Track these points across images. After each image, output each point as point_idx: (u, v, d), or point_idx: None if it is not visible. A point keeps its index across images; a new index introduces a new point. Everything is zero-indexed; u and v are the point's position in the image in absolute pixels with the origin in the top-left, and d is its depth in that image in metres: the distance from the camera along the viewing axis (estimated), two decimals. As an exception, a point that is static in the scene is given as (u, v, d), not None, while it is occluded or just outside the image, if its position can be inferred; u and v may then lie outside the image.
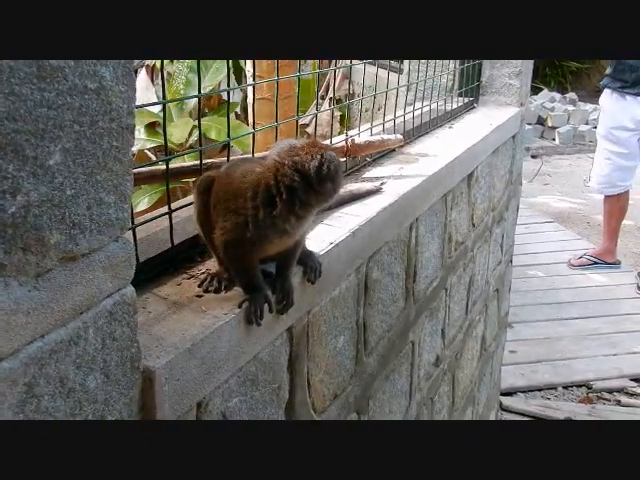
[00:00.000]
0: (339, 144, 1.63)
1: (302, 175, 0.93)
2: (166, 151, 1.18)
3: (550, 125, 10.47)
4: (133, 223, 1.00)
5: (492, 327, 2.91)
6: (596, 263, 5.34)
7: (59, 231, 0.63)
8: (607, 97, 4.79)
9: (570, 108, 10.95)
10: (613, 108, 4.71)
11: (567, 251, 6.01)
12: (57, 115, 0.60)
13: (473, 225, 2.28)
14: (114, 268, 0.71)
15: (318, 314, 1.19)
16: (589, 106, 11.22)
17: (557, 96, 11.46)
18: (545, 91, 11.50)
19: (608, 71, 4.74)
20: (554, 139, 10.38)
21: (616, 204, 5.06)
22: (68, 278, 0.65)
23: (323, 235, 1.24)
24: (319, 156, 0.93)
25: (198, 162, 1.53)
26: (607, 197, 5.09)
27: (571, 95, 11.74)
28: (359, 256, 1.34)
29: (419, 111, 2.19)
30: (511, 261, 3.23)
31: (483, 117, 2.51)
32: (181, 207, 1.17)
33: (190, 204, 1.17)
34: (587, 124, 10.67)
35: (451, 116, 2.47)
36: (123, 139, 0.68)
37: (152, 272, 1.05)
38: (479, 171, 2.23)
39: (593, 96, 12.75)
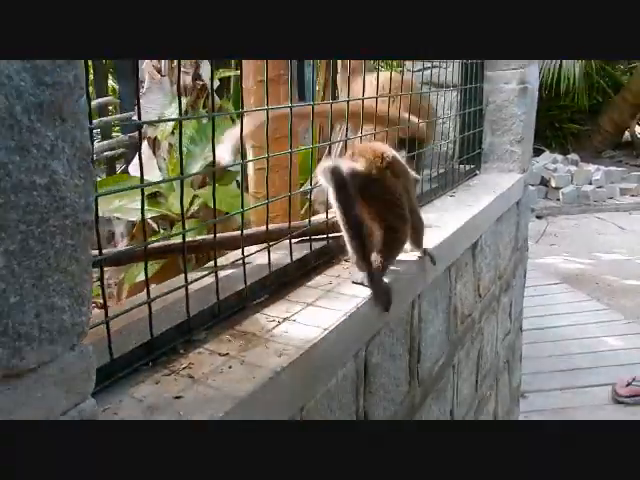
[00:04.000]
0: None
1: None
2: (166, 222, 1.11)
3: (554, 186, 10.50)
4: (107, 315, 0.93)
5: (504, 402, 2.77)
6: None
7: (0, 345, 0.55)
8: None
9: (572, 169, 11.00)
10: None
11: (578, 313, 5.88)
12: (-2, 216, 0.53)
13: (479, 296, 2.19)
14: (69, 382, 0.62)
15: (312, 409, 1.09)
16: (591, 166, 11.29)
17: (559, 157, 11.54)
18: (547, 153, 11.60)
19: None
20: (558, 199, 10.37)
21: None
22: (12, 398, 0.57)
23: (315, 319, 1.15)
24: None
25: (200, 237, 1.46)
26: None
27: (572, 156, 11.82)
28: (358, 340, 1.25)
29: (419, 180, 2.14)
30: (521, 329, 3.11)
31: (485, 184, 2.46)
32: (165, 293, 1.09)
33: (175, 289, 1.10)
34: (590, 184, 10.70)
35: (453, 184, 2.41)
36: (80, 237, 0.61)
37: (129, 369, 0.96)
38: (483, 240, 2.16)
39: (594, 157, 12.90)
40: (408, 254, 1.50)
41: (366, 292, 1.29)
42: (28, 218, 0.56)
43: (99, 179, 4.92)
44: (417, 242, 1.47)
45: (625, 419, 3.93)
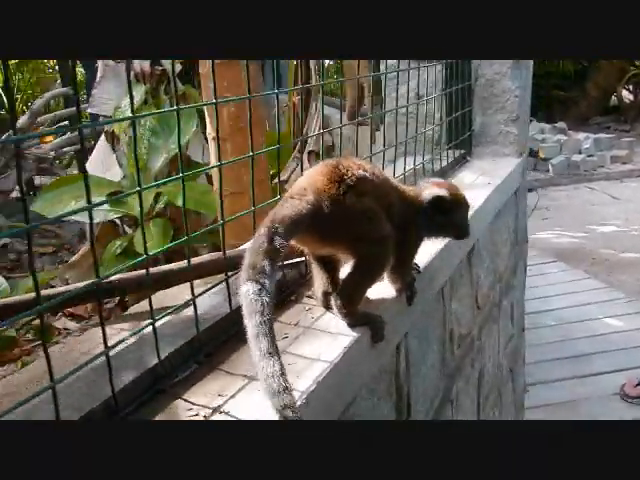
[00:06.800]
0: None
1: None
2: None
3: (542, 157, 10.18)
4: None
5: (509, 413, 2.46)
6: None
7: None
8: None
9: (561, 138, 10.68)
10: None
11: (577, 293, 5.59)
12: None
13: (478, 308, 1.86)
14: None
15: None
16: (580, 135, 10.98)
17: (546, 127, 11.22)
18: (534, 122, 11.22)
19: None
20: (547, 170, 10.06)
21: None
22: None
23: (259, 406, 0.81)
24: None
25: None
26: None
27: (560, 124, 11.50)
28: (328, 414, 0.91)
29: (401, 170, 1.78)
30: (523, 329, 2.79)
31: (479, 174, 2.11)
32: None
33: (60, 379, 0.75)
34: (580, 153, 10.39)
35: (442, 174, 2.06)
36: None
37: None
38: (480, 243, 1.82)
39: (581, 124, 12.56)
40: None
41: (335, 350, 0.95)
42: None
43: (57, 178, 4.53)
44: (399, 271, 1.13)
45: (632, 415, 3.65)
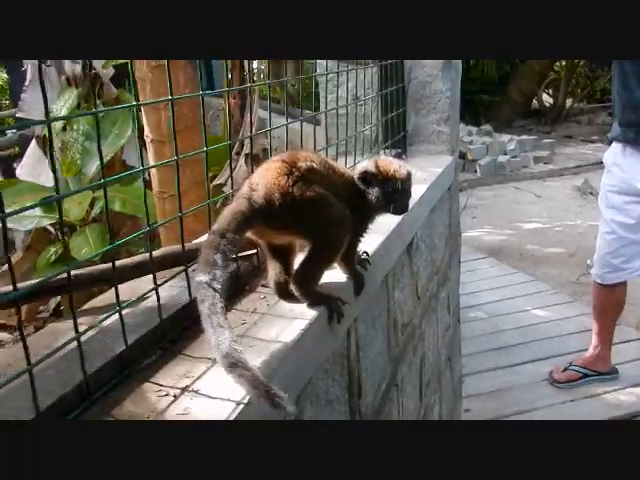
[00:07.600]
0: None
1: None
2: None
3: (470, 158, 10.57)
4: None
5: (448, 400, 2.58)
6: (587, 376, 3.97)
7: None
8: (618, 153, 3.25)
9: (487, 140, 11.12)
10: (627, 166, 3.19)
11: (506, 287, 5.86)
12: None
13: (418, 298, 1.96)
14: None
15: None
16: (505, 137, 11.46)
17: (473, 129, 11.65)
18: (461, 125, 11.63)
19: (619, 119, 3.19)
20: (475, 171, 10.45)
21: (611, 296, 3.64)
22: None
23: (225, 384, 0.85)
24: None
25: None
26: (600, 286, 3.65)
27: (486, 127, 11.97)
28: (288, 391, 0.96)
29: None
30: (459, 320, 2.93)
31: (415, 172, 2.21)
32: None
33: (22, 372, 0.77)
34: (505, 154, 10.85)
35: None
36: None
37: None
38: (418, 236, 1.91)
39: (506, 126, 13.12)
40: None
41: (291, 333, 1.00)
42: None
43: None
44: (348, 257, 1.19)
45: (561, 399, 3.87)
